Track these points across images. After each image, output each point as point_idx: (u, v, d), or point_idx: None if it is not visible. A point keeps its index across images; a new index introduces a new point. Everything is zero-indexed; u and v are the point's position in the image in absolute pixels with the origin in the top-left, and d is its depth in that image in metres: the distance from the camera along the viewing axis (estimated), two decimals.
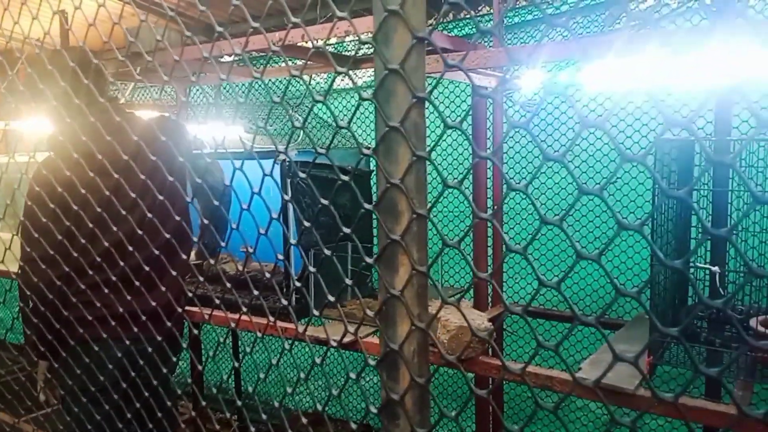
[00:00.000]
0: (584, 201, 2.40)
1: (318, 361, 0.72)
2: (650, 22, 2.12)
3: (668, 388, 1.97)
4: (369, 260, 0.62)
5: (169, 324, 1.08)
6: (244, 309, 0.91)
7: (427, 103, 0.58)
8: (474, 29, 2.72)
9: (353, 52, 2.66)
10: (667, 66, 2.10)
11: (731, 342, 1.67)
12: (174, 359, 1.12)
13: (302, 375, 0.77)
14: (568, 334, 0.55)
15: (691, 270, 1.84)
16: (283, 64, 2.66)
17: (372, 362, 0.63)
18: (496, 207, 2.12)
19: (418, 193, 0.59)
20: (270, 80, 3.16)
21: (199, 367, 1.31)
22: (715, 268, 1.65)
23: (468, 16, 2.69)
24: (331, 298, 0.70)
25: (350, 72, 0.62)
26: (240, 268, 2.28)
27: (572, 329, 0.54)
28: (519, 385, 2.71)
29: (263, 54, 2.45)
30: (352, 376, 0.65)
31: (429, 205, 0.61)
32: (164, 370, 1.07)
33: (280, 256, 0.83)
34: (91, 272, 1.44)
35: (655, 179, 0.48)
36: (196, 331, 1.07)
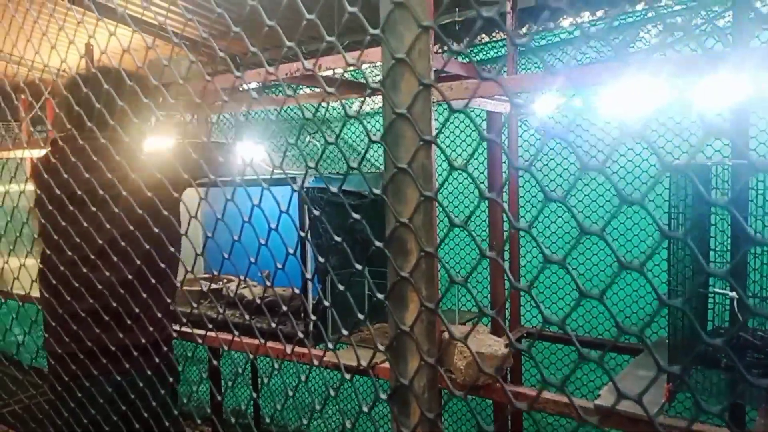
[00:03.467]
0: (596, 216, 2.40)
1: (332, 393, 0.74)
2: (663, 46, 2.13)
3: (690, 415, 1.94)
4: (380, 296, 0.64)
5: (139, 359, 1.10)
6: (262, 340, 0.92)
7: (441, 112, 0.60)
8: (486, 54, 2.76)
9: (374, 77, 2.71)
10: (681, 90, 2.10)
11: (752, 368, 1.64)
12: (162, 391, 1.13)
13: (317, 406, 0.78)
14: (573, 369, 0.56)
15: (710, 296, 1.82)
16: (306, 90, 2.72)
17: (383, 395, 0.64)
18: (496, 246, 2.12)
19: (427, 231, 0.61)
20: (286, 107, 3.22)
21: (218, 398, 1.32)
22: (734, 294, 1.63)
23: (483, 41, 2.73)
24: (345, 332, 0.72)
25: (369, 99, 0.64)
26: (256, 293, 2.31)
27: (575, 369, 0.55)
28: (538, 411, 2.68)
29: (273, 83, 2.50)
30: (365, 409, 0.67)
31: (438, 241, 0.63)
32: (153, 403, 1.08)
33: (297, 290, 0.85)
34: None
35: (658, 224, 0.49)
36: (215, 362, 1.08)
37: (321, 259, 0.72)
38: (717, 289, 1.81)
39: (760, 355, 1.70)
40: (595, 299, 0.55)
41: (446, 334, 0.57)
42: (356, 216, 0.67)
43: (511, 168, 2.26)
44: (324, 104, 3.06)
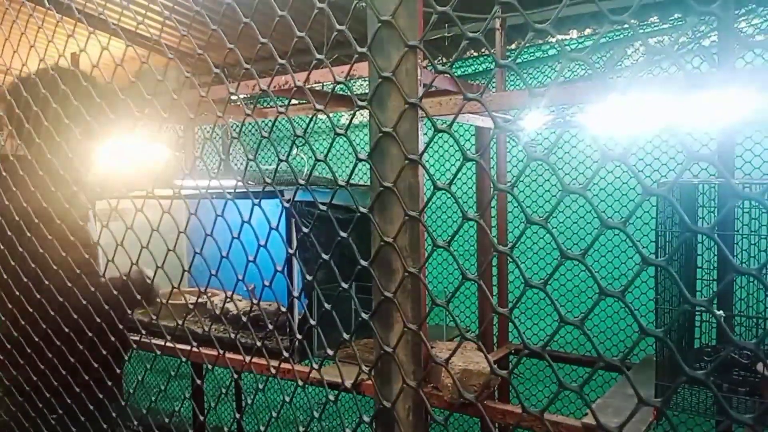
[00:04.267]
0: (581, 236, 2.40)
1: (316, 415, 0.72)
2: (651, 64, 2.15)
3: None
4: (365, 316, 0.63)
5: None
6: (247, 356, 0.91)
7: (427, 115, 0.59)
8: (480, 66, 2.77)
9: (363, 90, 2.71)
10: (667, 108, 2.12)
11: (738, 386, 1.64)
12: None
13: (301, 428, 0.77)
14: (553, 398, 0.55)
15: (697, 314, 1.82)
16: (293, 102, 2.71)
17: (366, 419, 0.63)
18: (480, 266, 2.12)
19: (413, 251, 0.60)
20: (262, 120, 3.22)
21: (201, 418, 1.30)
22: (720, 313, 1.64)
23: (472, 54, 2.75)
24: (330, 352, 0.71)
25: (358, 112, 0.64)
26: (241, 307, 2.28)
27: (557, 395, 0.54)
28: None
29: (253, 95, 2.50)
30: (348, 431, 0.65)
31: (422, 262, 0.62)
32: None
33: (283, 307, 0.84)
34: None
35: (639, 251, 0.48)
36: (198, 381, 1.06)
37: (309, 277, 0.71)
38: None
39: (746, 373, 1.71)
40: (575, 326, 0.55)
41: (439, 360, 0.56)
42: (343, 234, 0.66)
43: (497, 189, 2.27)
44: (312, 117, 3.05)
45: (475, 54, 2.71)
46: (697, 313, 1.83)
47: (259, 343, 0.86)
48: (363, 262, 0.62)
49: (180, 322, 0.94)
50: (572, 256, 0.49)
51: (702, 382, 0.47)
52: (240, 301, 2.38)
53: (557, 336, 2.42)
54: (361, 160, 0.60)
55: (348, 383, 0.68)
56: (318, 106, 0.66)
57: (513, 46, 2.59)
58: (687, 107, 1.98)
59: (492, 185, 0.56)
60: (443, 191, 0.54)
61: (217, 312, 2.11)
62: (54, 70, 1.09)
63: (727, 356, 1.62)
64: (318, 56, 0.63)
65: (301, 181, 0.68)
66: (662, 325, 1.66)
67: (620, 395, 1.83)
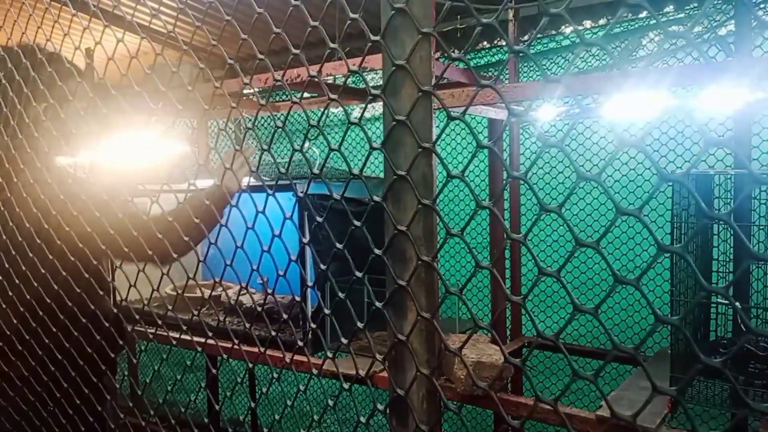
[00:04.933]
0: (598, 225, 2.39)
1: (330, 403, 0.73)
2: (667, 54, 2.13)
3: (691, 427, 1.92)
4: (378, 305, 0.63)
5: None
6: (261, 348, 0.91)
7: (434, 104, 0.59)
8: (493, 58, 2.75)
9: (376, 82, 2.71)
10: (682, 98, 2.09)
11: (755, 378, 1.63)
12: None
13: (315, 416, 0.77)
14: (567, 387, 0.55)
15: (713, 306, 1.80)
16: (306, 95, 2.72)
17: (380, 407, 0.63)
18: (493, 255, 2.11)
19: (426, 240, 0.60)
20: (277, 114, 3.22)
21: (216, 407, 1.30)
22: (736, 304, 1.62)
23: (483, 47, 2.73)
24: (344, 341, 0.71)
25: (370, 105, 0.64)
26: (255, 300, 2.30)
27: (570, 384, 0.54)
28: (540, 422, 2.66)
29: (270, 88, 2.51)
30: (362, 420, 0.66)
31: (436, 249, 0.62)
32: None
33: (297, 297, 0.84)
34: None
35: (655, 237, 0.48)
36: (214, 370, 1.07)
37: (322, 266, 0.71)
38: (720, 300, 1.80)
39: (763, 365, 1.69)
40: (589, 314, 0.54)
41: (452, 347, 0.56)
42: (357, 223, 0.66)
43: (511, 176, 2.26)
44: (326, 106, 3.06)
45: (488, 45, 2.70)
46: (712, 305, 1.81)
47: (273, 334, 0.86)
48: (377, 251, 0.62)
49: (195, 313, 0.95)
50: (587, 243, 0.49)
51: (717, 371, 0.47)
52: (254, 293, 2.40)
53: (571, 328, 2.41)
54: (374, 149, 0.60)
55: (362, 372, 0.68)
56: (332, 96, 0.66)
57: (526, 38, 2.57)
58: (703, 97, 1.96)
59: (505, 172, 0.56)
60: (457, 179, 0.54)
61: (232, 304, 2.13)
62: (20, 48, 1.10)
63: (745, 343, 1.61)
64: (332, 45, 0.63)
65: (315, 171, 0.68)
66: (677, 315, 1.65)
67: (635, 387, 1.82)
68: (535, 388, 0.58)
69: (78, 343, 1.07)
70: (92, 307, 1.01)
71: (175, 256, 0.88)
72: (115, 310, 1.04)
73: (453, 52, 0.56)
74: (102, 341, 1.05)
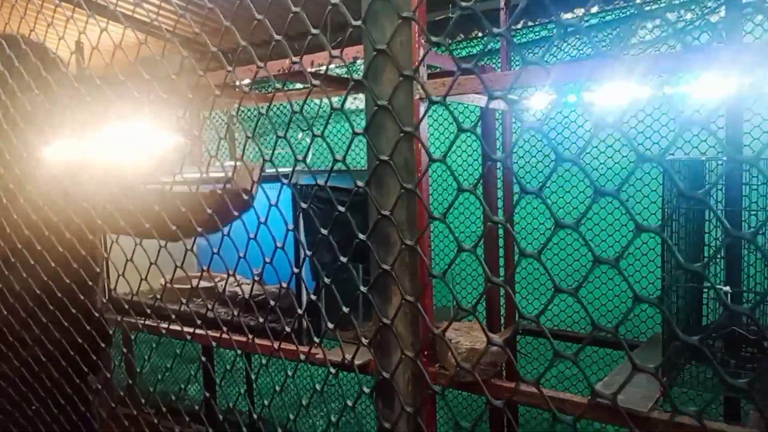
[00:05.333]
0: (595, 209, 2.39)
1: (318, 388, 0.73)
2: (658, 41, 2.13)
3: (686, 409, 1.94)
4: (363, 289, 0.63)
5: None
6: (250, 336, 0.92)
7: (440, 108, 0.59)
8: (481, 49, 2.75)
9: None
10: (674, 85, 2.10)
11: (747, 362, 1.64)
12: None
13: (303, 402, 0.78)
14: (548, 367, 0.55)
15: (704, 291, 1.81)
16: (295, 88, 2.71)
17: (366, 390, 0.64)
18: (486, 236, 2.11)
19: (410, 224, 0.60)
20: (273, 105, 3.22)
21: (210, 395, 1.31)
22: (727, 289, 1.63)
23: (475, 36, 2.72)
24: (330, 325, 0.72)
25: (350, 97, 0.64)
26: (248, 290, 2.30)
27: (550, 366, 0.54)
28: (534, 408, 2.68)
29: (264, 80, 2.50)
30: (349, 403, 0.66)
31: (420, 233, 0.62)
32: None
33: (285, 285, 0.85)
34: None
35: (633, 217, 0.48)
36: (203, 359, 1.07)
37: (308, 253, 0.72)
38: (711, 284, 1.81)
39: (754, 349, 1.70)
40: (569, 294, 0.55)
41: (437, 330, 0.57)
42: (341, 208, 0.66)
43: (506, 162, 2.26)
44: (312, 100, 3.05)
45: (480, 34, 2.69)
46: (704, 290, 1.82)
47: (262, 324, 0.87)
48: (361, 236, 0.62)
49: (184, 304, 0.95)
50: (566, 224, 0.49)
51: (699, 350, 0.47)
52: (247, 284, 2.40)
53: (564, 316, 2.42)
54: (357, 134, 0.60)
55: (348, 357, 0.68)
56: (314, 82, 0.66)
57: (520, 26, 2.56)
58: (695, 83, 1.96)
59: (488, 157, 0.56)
60: (450, 162, 0.54)
61: (224, 295, 2.13)
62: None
63: (725, 322, 1.62)
64: (314, 31, 0.63)
65: (299, 157, 0.68)
66: (669, 301, 1.66)
67: (626, 371, 1.83)
68: (521, 373, 0.59)
69: (68, 335, 1.07)
70: (81, 297, 1.01)
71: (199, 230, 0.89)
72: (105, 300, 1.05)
73: (444, 42, 0.56)
74: (93, 332, 1.05)
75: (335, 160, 0.66)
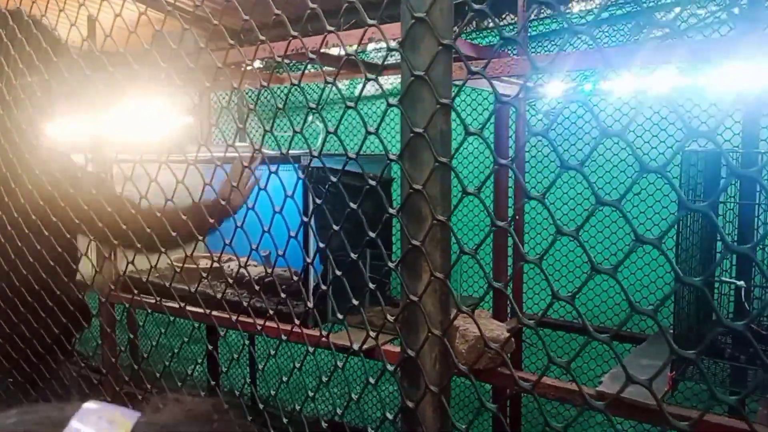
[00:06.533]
0: (606, 212, 2.37)
1: (340, 365, 0.72)
2: (676, 32, 2.10)
3: (691, 405, 1.93)
4: (391, 265, 0.62)
5: None
6: (260, 320, 0.91)
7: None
8: (497, 38, 2.72)
9: (378, 61, 2.67)
10: (693, 77, 2.07)
11: (757, 358, 1.63)
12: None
13: (324, 378, 0.77)
14: (582, 347, 0.54)
15: (716, 285, 1.80)
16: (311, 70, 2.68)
17: (390, 368, 0.63)
18: (517, 216, 2.10)
19: (443, 199, 0.59)
20: (280, 87, 3.19)
21: (219, 374, 1.30)
22: (741, 283, 1.62)
23: (492, 25, 2.69)
24: (340, 316, 0.71)
25: (377, 79, 0.62)
26: (257, 272, 2.29)
27: (584, 346, 0.53)
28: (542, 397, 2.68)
29: (278, 61, 2.47)
30: (372, 381, 0.65)
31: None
32: None
33: (296, 270, 0.84)
34: None
35: (678, 192, 0.47)
36: (211, 347, 1.06)
37: (321, 244, 0.70)
38: (723, 278, 1.80)
39: (765, 346, 1.69)
40: (608, 274, 0.54)
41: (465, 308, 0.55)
42: (353, 205, 0.65)
43: (524, 136, 2.24)
44: (330, 83, 3.02)
45: (501, 24, 2.66)
46: (716, 284, 1.81)
47: (273, 308, 0.86)
48: (391, 210, 0.61)
49: (195, 285, 0.94)
50: (566, 232, 0.49)
51: (720, 351, 0.46)
52: (255, 266, 2.39)
53: (571, 308, 2.41)
54: (391, 106, 0.59)
55: (372, 335, 0.67)
56: (329, 79, 0.65)
57: (534, 15, 2.53)
58: (713, 75, 1.93)
59: (513, 162, 0.55)
60: (475, 136, 0.52)
61: (232, 278, 2.12)
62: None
63: (716, 330, 1.60)
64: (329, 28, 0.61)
65: (314, 153, 0.67)
66: (680, 298, 1.64)
67: (634, 365, 1.83)
68: (523, 364, 0.58)
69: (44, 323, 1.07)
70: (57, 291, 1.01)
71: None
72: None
73: (465, 30, 0.54)
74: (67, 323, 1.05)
75: (348, 159, 0.65)
